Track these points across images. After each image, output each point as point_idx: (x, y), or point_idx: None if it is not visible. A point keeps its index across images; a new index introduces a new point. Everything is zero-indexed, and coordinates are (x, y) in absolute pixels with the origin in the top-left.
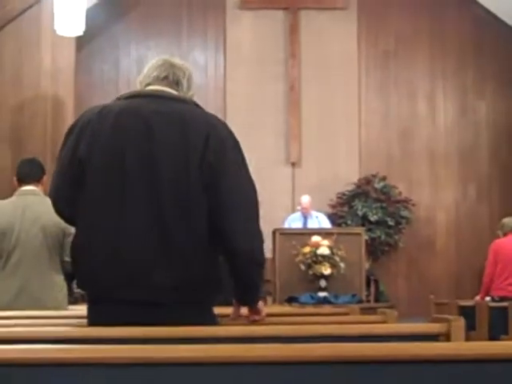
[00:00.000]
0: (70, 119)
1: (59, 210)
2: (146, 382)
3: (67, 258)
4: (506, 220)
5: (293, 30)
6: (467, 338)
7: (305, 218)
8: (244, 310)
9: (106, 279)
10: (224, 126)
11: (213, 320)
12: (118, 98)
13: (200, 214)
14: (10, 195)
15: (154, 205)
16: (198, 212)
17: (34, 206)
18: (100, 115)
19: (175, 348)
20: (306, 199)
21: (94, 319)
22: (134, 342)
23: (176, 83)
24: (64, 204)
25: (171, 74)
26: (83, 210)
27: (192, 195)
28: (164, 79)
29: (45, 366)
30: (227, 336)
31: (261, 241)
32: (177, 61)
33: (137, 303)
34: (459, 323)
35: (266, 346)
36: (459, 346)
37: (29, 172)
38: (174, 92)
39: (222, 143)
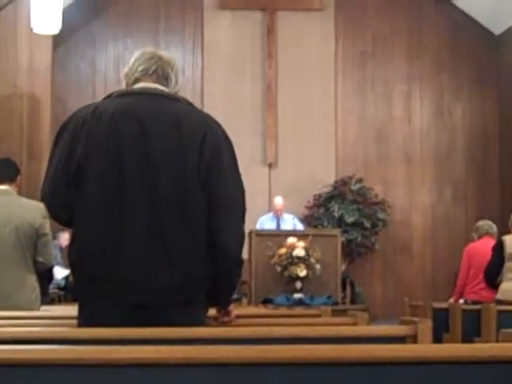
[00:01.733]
0: (46, 118)
1: (55, 214)
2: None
3: (41, 259)
4: (481, 223)
5: (270, 31)
6: (441, 340)
7: (277, 219)
8: (212, 311)
9: (106, 282)
10: (218, 125)
11: (205, 320)
12: (109, 96)
13: (198, 215)
14: None
15: (152, 207)
16: (197, 213)
17: (7, 205)
18: (94, 116)
19: (146, 349)
20: (279, 201)
21: (88, 320)
22: (122, 343)
23: (165, 78)
24: (60, 207)
25: (160, 69)
26: (81, 213)
27: (190, 196)
28: (153, 74)
29: (23, 366)
30: (219, 337)
31: (243, 241)
32: (164, 54)
33: (135, 305)
34: (426, 325)
35: (232, 348)
36: (424, 348)
37: (3, 172)
38: (165, 90)
39: (217, 144)
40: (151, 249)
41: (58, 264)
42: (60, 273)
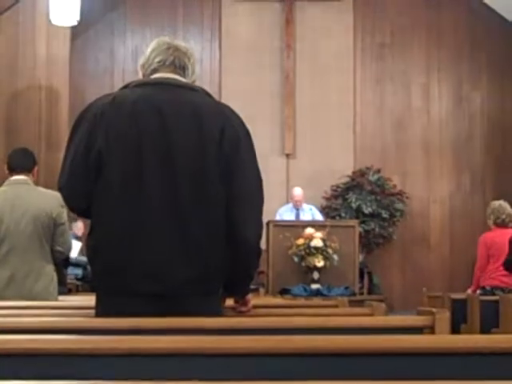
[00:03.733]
0: (64, 108)
1: (72, 204)
2: (139, 372)
3: (58, 248)
4: (500, 209)
5: (288, 21)
6: (459, 331)
7: (297, 210)
8: (230, 301)
9: (125, 273)
10: (236, 116)
11: (222, 310)
12: (126, 86)
13: (217, 206)
14: (2, 184)
15: (171, 198)
16: (216, 204)
17: (24, 195)
18: (113, 105)
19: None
20: (298, 191)
21: (106, 311)
22: (140, 333)
23: (182, 69)
24: (77, 198)
25: (177, 60)
26: (99, 204)
27: (209, 187)
28: (171, 65)
29: (41, 356)
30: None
31: (262, 232)
32: (180, 44)
33: (153, 295)
34: (444, 316)
35: (249, 338)
36: (441, 339)
37: (20, 162)
38: (183, 80)
39: (236, 136)
40: (170, 239)
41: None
42: (74, 246)
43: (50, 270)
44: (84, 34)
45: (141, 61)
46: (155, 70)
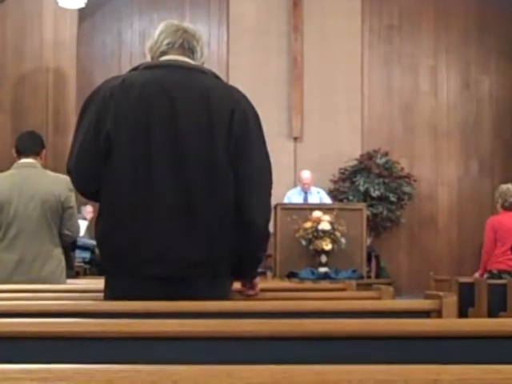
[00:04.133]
0: (71, 91)
1: (81, 187)
2: (140, 354)
3: (66, 231)
4: (508, 193)
5: (296, 4)
6: (466, 315)
7: (305, 193)
8: (237, 285)
9: (134, 256)
10: (245, 99)
11: (230, 293)
12: (135, 69)
13: (226, 190)
14: (10, 168)
15: (180, 182)
16: (225, 188)
17: (32, 179)
18: (122, 88)
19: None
20: (306, 174)
21: (115, 294)
22: (148, 317)
23: (191, 51)
24: (87, 180)
25: (186, 42)
26: (108, 187)
27: (219, 171)
28: (179, 47)
29: (49, 339)
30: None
31: (270, 215)
32: (189, 26)
33: (162, 278)
34: (451, 300)
35: (256, 322)
36: (448, 323)
37: (28, 145)
38: (192, 62)
39: (245, 118)
40: (178, 223)
41: (84, 237)
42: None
43: (58, 253)
44: (91, 17)
45: (149, 43)
46: (164, 53)
